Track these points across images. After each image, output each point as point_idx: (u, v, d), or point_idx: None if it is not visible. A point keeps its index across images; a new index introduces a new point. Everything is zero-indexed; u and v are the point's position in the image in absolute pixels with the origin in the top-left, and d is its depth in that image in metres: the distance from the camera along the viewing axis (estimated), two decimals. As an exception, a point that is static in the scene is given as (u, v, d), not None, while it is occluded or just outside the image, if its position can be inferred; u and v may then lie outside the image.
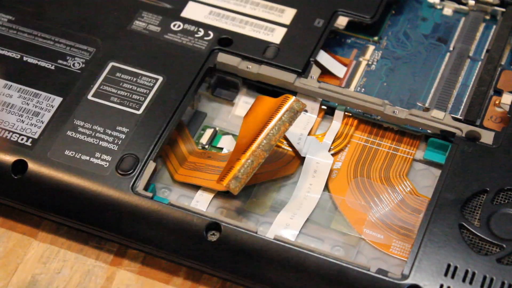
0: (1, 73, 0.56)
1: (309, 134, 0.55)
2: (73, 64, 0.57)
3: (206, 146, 0.55)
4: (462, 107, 0.55)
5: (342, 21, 0.59)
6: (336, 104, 0.56)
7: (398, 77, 0.57)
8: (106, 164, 0.52)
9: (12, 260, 0.52)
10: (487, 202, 0.49)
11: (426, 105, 0.55)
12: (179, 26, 0.59)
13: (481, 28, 0.60)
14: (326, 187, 0.53)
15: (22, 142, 0.53)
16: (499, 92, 0.55)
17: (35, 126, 0.54)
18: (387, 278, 0.47)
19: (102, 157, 0.52)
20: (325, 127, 0.56)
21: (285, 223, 0.51)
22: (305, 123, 0.55)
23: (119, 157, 0.52)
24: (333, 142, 0.55)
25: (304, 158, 0.53)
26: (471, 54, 0.58)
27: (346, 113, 0.56)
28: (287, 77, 0.56)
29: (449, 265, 0.47)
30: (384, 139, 0.55)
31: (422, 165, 0.54)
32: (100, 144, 0.52)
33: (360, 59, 0.59)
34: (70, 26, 0.59)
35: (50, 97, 0.55)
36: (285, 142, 0.55)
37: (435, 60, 0.58)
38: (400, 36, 0.60)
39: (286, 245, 0.48)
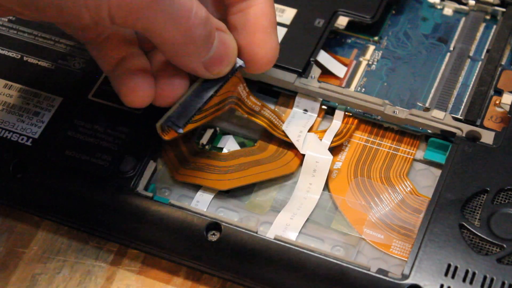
0: (2, 73, 0.56)
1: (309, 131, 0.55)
2: (74, 64, 0.57)
3: (207, 146, 0.55)
4: (462, 107, 0.55)
5: (342, 21, 0.59)
6: (337, 104, 0.56)
7: (398, 77, 0.57)
8: (106, 164, 0.52)
9: (12, 260, 0.52)
10: (487, 202, 0.49)
11: (427, 105, 0.55)
12: (179, 26, 0.59)
13: (481, 28, 0.60)
14: (327, 187, 0.53)
15: (23, 142, 0.53)
16: (499, 92, 0.55)
17: (35, 126, 0.54)
18: (387, 278, 0.47)
19: (102, 157, 0.52)
20: (326, 127, 0.56)
21: (285, 223, 0.51)
22: (305, 122, 0.55)
23: (119, 157, 0.52)
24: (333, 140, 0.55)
25: (303, 156, 0.53)
26: (471, 54, 0.58)
27: (346, 113, 0.56)
28: (288, 77, 0.56)
29: (449, 265, 0.47)
30: (385, 139, 0.55)
31: (422, 165, 0.54)
32: (100, 144, 0.52)
33: (361, 59, 0.59)
34: (70, 26, 0.59)
35: (50, 97, 0.55)
36: (285, 140, 0.55)
37: (435, 60, 0.58)
38: (401, 36, 0.60)
39: (287, 245, 0.48)
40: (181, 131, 0.49)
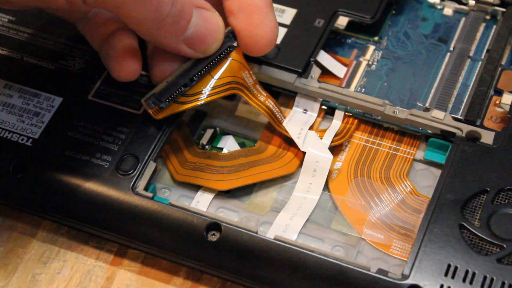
0: (2, 73, 0.56)
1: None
2: (74, 64, 0.57)
3: (207, 146, 0.55)
4: (462, 107, 0.55)
5: (342, 21, 0.59)
6: (337, 104, 0.56)
7: (398, 77, 0.57)
8: (106, 165, 0.52)
9: (12, 260, 0.52)
10: (487, 202, 0.49)
11: (427, 105, 0.55)
12: (179, 26, 0.59)
13: (481, 28, 0.60)
14: (327, 187, 0.53)
15: (23, 142, 0.53)
16: (499, 92, 0.55)
17: (35, 126, 0.54)
18: (387, 278, 0.47)
19: (102, 157, 0.52)
20: (326, 127, 0.55)
21: (285, 223, 0.51)
22: (305, 121, 0.55)
23: (119, 157, 0.52)
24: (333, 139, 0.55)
25: (303, 155, 0.53)
26: (471, 54, 0.58)
27: (346, 113, 0.56)
28: (288, 77, 0.56)
29: (449, 265, 0.47)
30: (385, 139, 0.55)
31: (422, 165, 0.54)
32: (100, 144, 0.52)
33: (361, 59, 0.59)
34: (70, 26, 0.58)
35: (50, 97, 0.55)
36: (286, 136, 0.55)
37: (435, 60, 0.58)
38: (401, 36, 0.60)
39: (287, 245, 0.48)
40: (163, 105, 0.51)
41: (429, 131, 0.54)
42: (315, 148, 0.53)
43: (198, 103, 0.52)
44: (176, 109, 0.52)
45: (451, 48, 0.59)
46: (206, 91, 0.52)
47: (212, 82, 0.52)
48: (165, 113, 0.52)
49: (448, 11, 0.61)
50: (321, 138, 0.54)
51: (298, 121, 0.55)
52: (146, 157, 0.52)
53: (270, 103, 0.54)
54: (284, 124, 0.54)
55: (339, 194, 0.52)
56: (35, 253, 0.53)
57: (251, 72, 0.53)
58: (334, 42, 0.60)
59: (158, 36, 0.49)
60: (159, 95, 0.51)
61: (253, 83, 0.54)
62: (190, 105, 0.52)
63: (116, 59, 0.52)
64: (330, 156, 0.53)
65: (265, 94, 0.54)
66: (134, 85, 0.55)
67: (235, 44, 0.52)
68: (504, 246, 0.48)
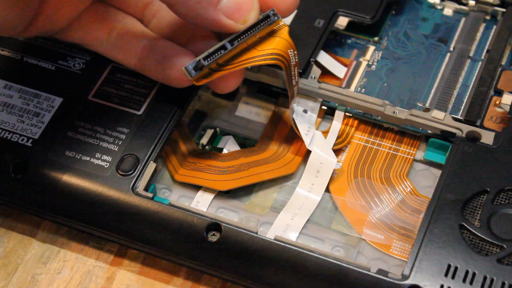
0: (2, 74, 0.56)
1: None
2: (74, 65, 0.57)
3: (207, 147, 0.55)
4: (462, 107, 0.55)
5: (342, 22, 0.59)
6: (337, 104, 0.56)
7: (398, 78, 0.57)
8: (106, 165, 0.52)
9: (12, 260, 0.52)
10: (488, 202, 0.49)
11: (427, 105, 0.55)
12: (179, 26, 0.59)
13: (481, 28, 0.60)
14: (327, 188, 0.53)
15: (23, 142, 0.53)
16: (499, 93, 0.55)
17: (35, 127, 0.54)
18: (387, 279, 0.47)
19: (102, 158, 0.52)
20: (326, 127, 0.56)
21: (286, 224, 0.51)
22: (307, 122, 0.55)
23: (119, 158, 0.52)
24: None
25: (307, 154, 0.53)
26: (471, 54, 0.58)
27: (346, 113, 0.56)
28: (288, 77, 0.56)
29: (449, 266, 0.47)
30: (385, 140, 0.55)
31: (423, 165, 0.54)
32: (100, 144, 0.52)
33: (361, 59, 0.59)
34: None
35: (50, 98, 0.55)
36: (285, 138, 0.55)
37: (435, 61, 0.58)
38: (401, 36, 0.60)
39: (287, 245, 0.48)
40: (205, 63, 0.49)
41: (429, 132, 0.54)
42: (321, 149, 0.53)
43: (240, 67, 0.51)
44: (217, 74, 0.50)
45: (451, 48, 0.59)
46: (250, 60, 0.51)
47: (256, 52, 0.51)
48: (206, 79, 0.50)
49: (448, 11, 0.61)
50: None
51: (302, 122, 0.55)
52: (146, 158, 0.52)
53: (297, 89, 0.54)
54: (291, 115, 0.54)
55: (339, 195, 0.52)
56: (35, 253, 0.53)
57: (295, 52, 0.53)
58: (334, 43, 0.60)
59: (196, 10, 0.49)
60: (203, 60, 0.50)
61: (294, 64, 0.53)
62: (232, 69, 0.50)
63: (122, 47, 0.54)
64: (334, 159, 0.53)
65: (297, 80, 0.53)
66: (134, 85, 0.55)
67: (275, 12, 0.51)
68: (504, 246, 0.48)
